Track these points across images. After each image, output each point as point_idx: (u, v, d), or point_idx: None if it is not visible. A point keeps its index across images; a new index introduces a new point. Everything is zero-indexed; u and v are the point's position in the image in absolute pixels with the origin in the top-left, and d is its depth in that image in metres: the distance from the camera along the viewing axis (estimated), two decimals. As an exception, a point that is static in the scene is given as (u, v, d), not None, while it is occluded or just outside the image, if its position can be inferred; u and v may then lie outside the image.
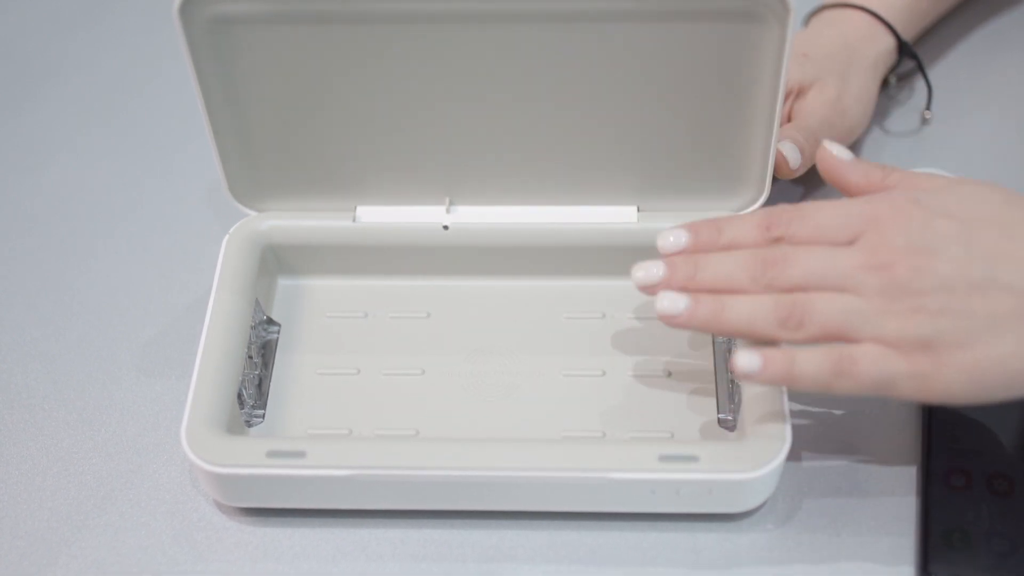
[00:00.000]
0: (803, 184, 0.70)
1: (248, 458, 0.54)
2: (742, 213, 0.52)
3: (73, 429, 0.61)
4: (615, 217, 0.63)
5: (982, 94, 0.75)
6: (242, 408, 0.58)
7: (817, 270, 0.51)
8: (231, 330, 0.59)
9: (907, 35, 0.72)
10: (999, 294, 0.49)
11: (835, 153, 0.55)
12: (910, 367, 0.49)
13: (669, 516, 0.56)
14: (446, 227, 0.63)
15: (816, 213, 0.52)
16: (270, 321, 0.63)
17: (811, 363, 0.50)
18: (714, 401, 0.59)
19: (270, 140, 0.61)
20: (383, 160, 0.62)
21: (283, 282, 0.65)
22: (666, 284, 0.53)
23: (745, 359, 0.51)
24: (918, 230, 0.50)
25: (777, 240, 0.53)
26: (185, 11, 0.55)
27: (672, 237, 0.54)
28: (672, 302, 0.52)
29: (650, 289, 0.54)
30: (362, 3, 0.56)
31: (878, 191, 0.54)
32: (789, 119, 0.67)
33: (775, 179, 0.62)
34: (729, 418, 0.58)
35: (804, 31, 0.72)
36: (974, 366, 0.49)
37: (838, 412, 0.59)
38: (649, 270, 0.54)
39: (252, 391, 0.60)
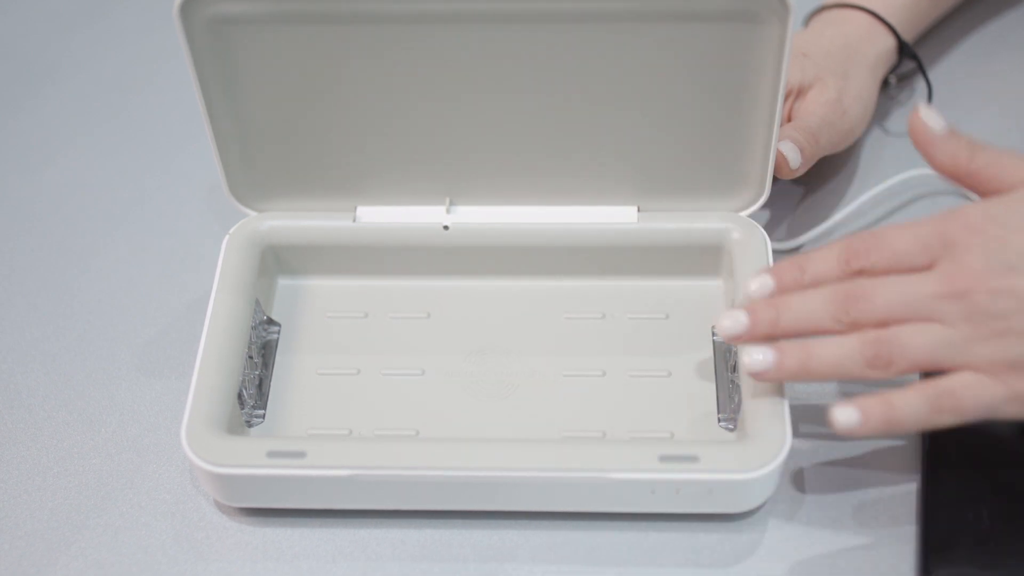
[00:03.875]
0: (803, 184, 0.70)
1: (248, 458, 0.54)
2: (821, 247, 0.54)
3: (73, 429, 0.61)
4: (615, 217, 0.63)
5: (982, 94, 0.75)
6: (242, 408, 0.58)
7: (898, 303, 0.51)
8: (231, 330, 0.59)
9: (907, 35, 0.72)
10: None
11: (929, 125, 0.54)
12: (1008, 390, 0.50)
13: (669, 516, 0.56)
14: (446, 227, 0.63)
15: (892, 240, 0.52)
16: (270, 321, 0.63)
17: (910, 406, 0.50)
18: (714, 401, 0.59)
19: (270, 140, 0.61)
20: (383, 160, 0.62)
21: (283, 282, 0.65)
22: (750, 332, 0.53)
23: (843, 416, 0.51)
24: (994, 250, 0.50)
25: (858, 272, 0.52)
26: (185, 11, 0.55)
27: (756, 284, 0.54)
28: (759, 358, 0.53)
29: (736, 339, 0.54)
30: (362, 3, 0.56)
31: (963, 174, 0.53)
32: (789, 119, 0.67)
33: (775, 179, 0.62)
34: (729, 418, 0.58)
35: (804, 31, 0.72)
36: None
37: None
38: (735, 319, 0.54)
39: (252, 391, 0.60)
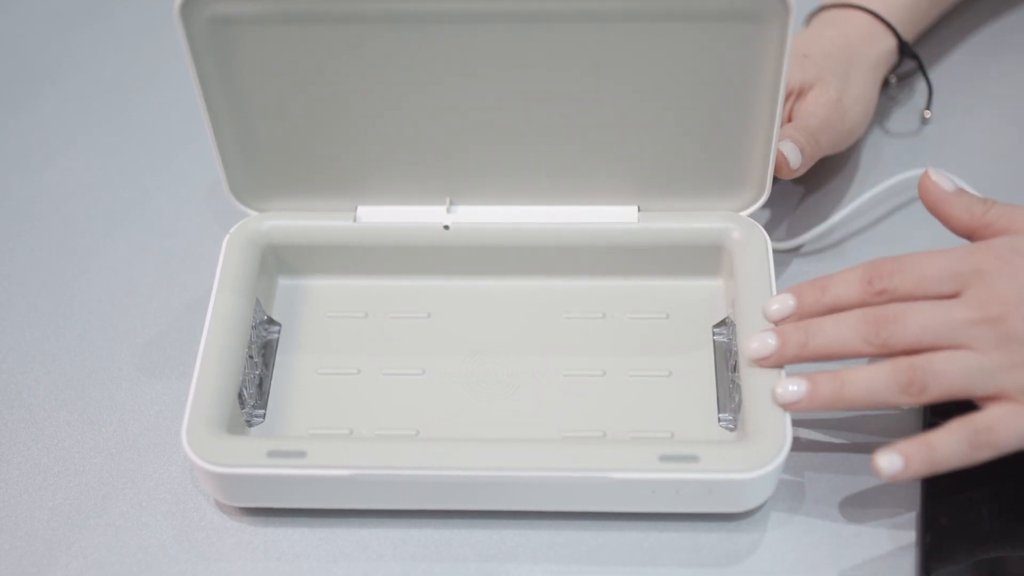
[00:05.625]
0: (803, 184, 0.70)
1: (249, 458, 0.54)
2: (843, 271, 0.54)
3: (73, 429, 0.61)
4: (615, 217, 0.63)
5: (982, 94, 0.75)
6: (243, 408, 0.58)
7: (931, 327, 0.51)
8: (232, 330, 0.59)
9: (908, 35, 0.72)
10: None
11: (940, 184, 0.55)
12: None
13: (669, 516, 0.56)
14: (446, 227, 0.63)
15: (919, 265, 0.53)
16: (271, 321, 0.63)
17: (950, 447, 0.50)
18: (714, 401, 0.59)
19: (270, 140, 0.61)
20: (383, 160, 0.62)
21: (283, 282, 0.65)
22: (779, 355, 0.54)
23: (886, 462, 0.51)
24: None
25: (880, 293, 0.53)
26: (185, 11, 0.55)
27: (777, 305, 0.55)
28: (792, 390, 0.53)
29: (764, 362, 0.55)
30: (362, 3, 0.56)
31: (978, 226, 0.54)
32: (790, 119, 0.67)
33: (775, 179, 0.62)
34: (729, 418, 0.58)
35: (804, 31, 0.72)
36: None
37: (838, 412, 0.59)
38: (763, 341, 0.54)
39: (253, 391, 0.60)
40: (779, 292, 0.56)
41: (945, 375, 0.51)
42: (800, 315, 0.55)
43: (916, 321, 0.51)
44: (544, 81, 0.58)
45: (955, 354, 0.51)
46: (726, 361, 0.60)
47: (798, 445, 0.58)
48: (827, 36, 0.69)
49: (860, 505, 0.56)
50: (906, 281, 0.53)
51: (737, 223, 0.62)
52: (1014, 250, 0.52)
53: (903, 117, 0.74)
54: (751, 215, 0.63)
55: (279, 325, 0.63)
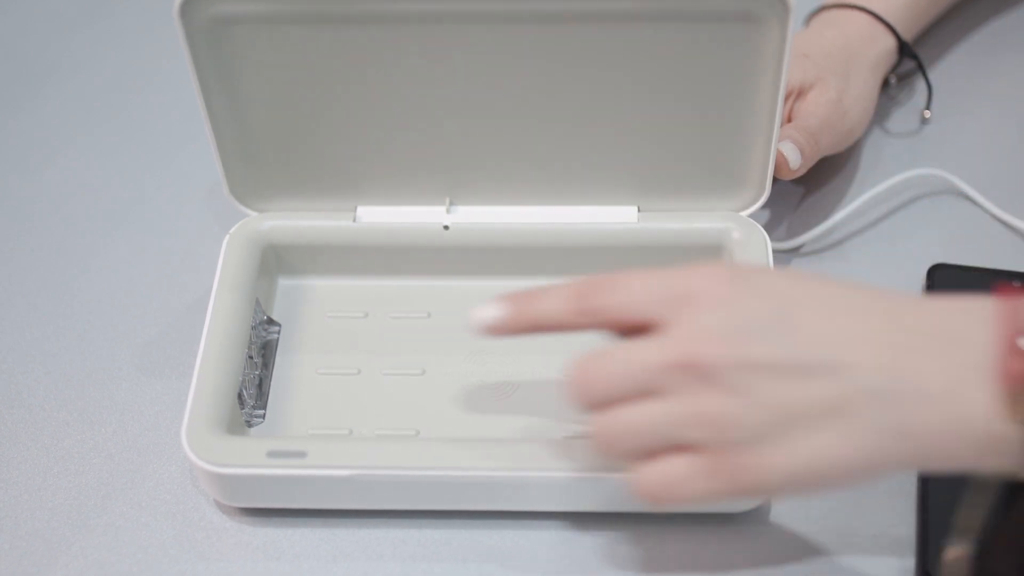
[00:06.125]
0: (803, 184, 0.70)
1: (249, 458, 0.54)
2: (558, 283, 0.50)
3: (73, 429, 0.61)
4: (615, 217, 0.63)
5: (982, 94, 0.75)
6: (242, 408, 0.58)
7: (617, 380, 0.47)
8: (232, 330, 0.59)
9: (907, 35, 0.72)
10: (820, 381, 0.44)
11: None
12: (721, 483, 0.46)
13: (669, 516, 0.56)
14: (446, 227, 0.63)
15: (629, 285, 0.48)
16: (270, 321, 0.63)
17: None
18: (714, 401, 0.59)
19: (270, 140, 0.61)
20: (383, 160, 0.62)
21: (283, 282, 0.65)
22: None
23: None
24: (733, 313, 0.46)
25: (584, 313, 0.49)
26: (185, 11, 0.55)
27: (483, 312, 0.51)
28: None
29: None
30: (362, 3, 0.56)
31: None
32: (789, 119, 0.67)
33: (775, 179, 0.62)
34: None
35: (804, 31, 0.72)
36: (792, 465, 0.45)
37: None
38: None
39: (252, 391, 0.60)
40: (494, 299, 0.51)
41: (628, 441, 0.47)
42: (506, 328, 0.51)
43: (605, 380, 0.47)
44: (544, 81, 0.58)
45: (639, 409, 0.47)
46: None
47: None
48: (827, 36, 0.69)
49: (860, 505, 0.56)
50: (612, 301, 0.48)
51: (737, 223, 0.62)
52: (729, 278, 0.47)
53: (903, 117, 0.74)
54: (751, 215, 0.63)
55: (279, 325, 0.63)
